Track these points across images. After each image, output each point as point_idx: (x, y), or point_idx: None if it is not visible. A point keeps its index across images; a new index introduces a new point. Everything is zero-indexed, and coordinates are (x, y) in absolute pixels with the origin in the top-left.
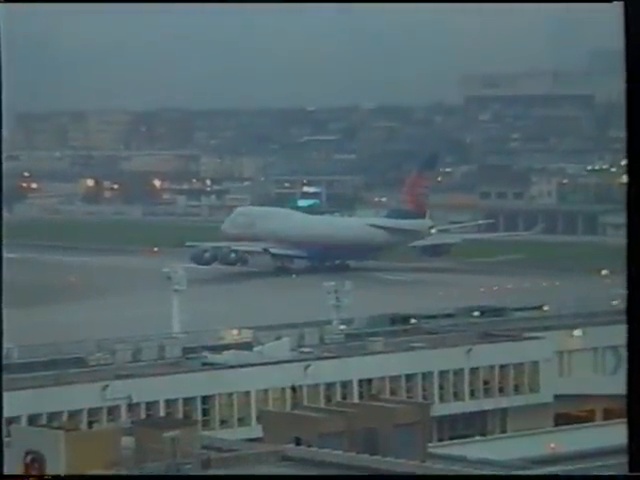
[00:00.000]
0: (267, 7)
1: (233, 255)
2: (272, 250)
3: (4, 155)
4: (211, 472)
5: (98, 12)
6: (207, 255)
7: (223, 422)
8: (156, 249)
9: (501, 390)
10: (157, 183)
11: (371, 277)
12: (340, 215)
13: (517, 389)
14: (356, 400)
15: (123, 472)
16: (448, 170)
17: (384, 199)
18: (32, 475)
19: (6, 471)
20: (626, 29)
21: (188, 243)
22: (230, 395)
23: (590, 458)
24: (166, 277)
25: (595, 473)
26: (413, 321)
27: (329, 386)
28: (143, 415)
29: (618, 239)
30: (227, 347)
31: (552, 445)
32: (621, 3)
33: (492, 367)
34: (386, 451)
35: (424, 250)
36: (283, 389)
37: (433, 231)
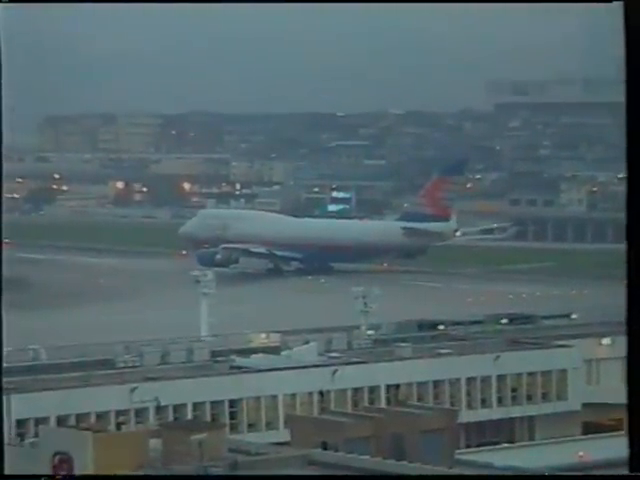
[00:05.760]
0: (299, 12)
1: (233, 256)
2: (276, 252)
3: (34, 156)
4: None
5: (131, 15)
6: (218, 257)
7: (251, 426)
8: (184, 252)
9: (529, 398)
10: (186, 186)
11: (392, 281)
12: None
13: (545, 397)
14: (383, 405)
15: (150, 474)
16: (478, 177)
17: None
18: (35, 475)
19: (35, 473)
20: (626, 29)
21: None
22: (258, 399)
23: (618, 467)
24: (194, 280)
25: None
26: (441, 327)
27: (356, 391)
28: (171, 418)
29: None
30: (255, 351)
31: (580, 454)
32: (621, 3)
33: (520, 375)
34: (413, 457)
35: (399, 252)
36: (311, 393)
37: (458, 234)
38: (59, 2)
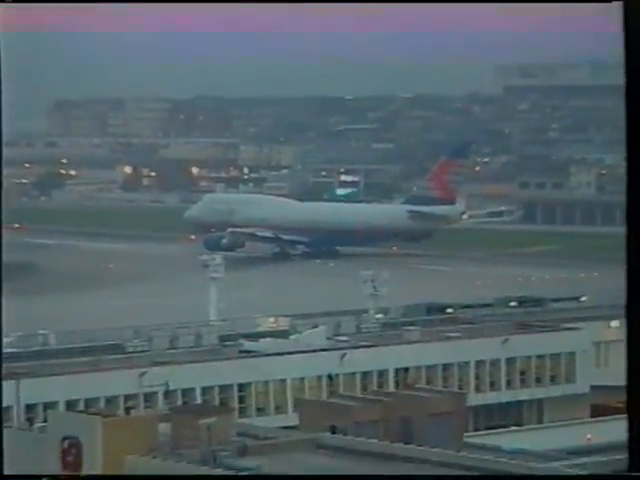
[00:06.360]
0: None
1: (240, 241)
2: (282, 236)
3: (43, 141)
4: (247, 459)
5: (138, 4)
6: (225, 241)
7: (259, 409)
8: (193, 237)
9: (538, 380)
10: (195, 171)
11: (400, 265)
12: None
13: (554, 379)
14: (392, 389)
15: (159, 458)
16: (486, 160)
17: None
18: (36, 475)
19: (44, 457)
20: (625, 28)
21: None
22: (266, 383)
23: (626, 450)
24: (203, 265)
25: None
26: (450, 310)
27: (365, 375)
28: (180, 402)
29: None
30: (264, 335)
31: (588, 436)
32: (620, 3)
33: (529, 357)
34: (421, 440)
35: (405, 236)
36: (319, 377)
37: (465, 217)
38: (62, 2)
